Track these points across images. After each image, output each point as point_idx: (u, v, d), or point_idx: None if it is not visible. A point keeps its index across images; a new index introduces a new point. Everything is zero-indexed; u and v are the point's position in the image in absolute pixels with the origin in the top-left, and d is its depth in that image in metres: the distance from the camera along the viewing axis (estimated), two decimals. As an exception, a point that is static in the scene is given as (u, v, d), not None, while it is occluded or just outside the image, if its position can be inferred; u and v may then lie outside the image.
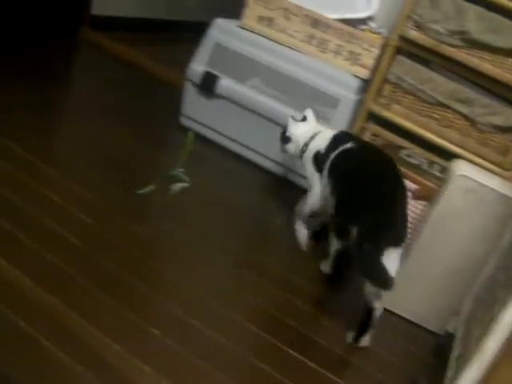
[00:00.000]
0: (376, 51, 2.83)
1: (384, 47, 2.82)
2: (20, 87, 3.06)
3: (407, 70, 2.72)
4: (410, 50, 2.74)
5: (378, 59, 2.83)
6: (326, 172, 2.36)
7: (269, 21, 2.95)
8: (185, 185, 2.57)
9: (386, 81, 2.78)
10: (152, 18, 5.03)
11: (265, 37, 2.97)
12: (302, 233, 2.57)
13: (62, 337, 1.61)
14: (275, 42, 2.96)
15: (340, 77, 2.84)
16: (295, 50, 2.93)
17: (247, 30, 3.00)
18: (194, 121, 3.16)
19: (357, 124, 2.83)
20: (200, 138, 2.99)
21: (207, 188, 2.76)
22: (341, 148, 2.34)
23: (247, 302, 2.03)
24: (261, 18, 2.96)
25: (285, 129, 2.64)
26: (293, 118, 2.64)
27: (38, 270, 1.82)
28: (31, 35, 3.78)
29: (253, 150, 3.03)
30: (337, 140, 2.43)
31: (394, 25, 2.80)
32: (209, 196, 2.69)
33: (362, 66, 2.85)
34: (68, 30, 4.18)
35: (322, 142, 2.47)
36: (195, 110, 3.15)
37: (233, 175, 2.90)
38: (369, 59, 2.84)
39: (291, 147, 2.62)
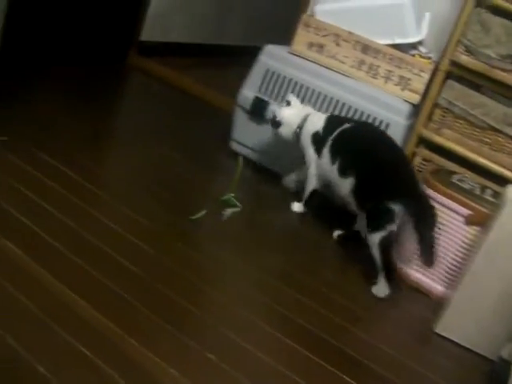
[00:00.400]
0: (426, 76, 2.83)
1: (434, 72, 2.82)
2: (71, 113, 3.12)
3: (458, 95, 2.71)
4: (460, 74, 2.75)
5: (429, 84, 2.83)
6: (327, 153, 2.60)
7: (319, 47, 2.97)
8: (236, 209, 2.59)
9: (436, 105, 2.78)
10: (199, 43, 5.09)
11: (315, 62, 2.99)
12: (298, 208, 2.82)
13: (120, 361, 1.63)
14: (325, 67, 2.97)
15: (390, 102, 2.84)
16: (345, 75, 2.94)
17: (297, 55, 3.02)
18: (244, 146, 3.18)
19: (407, 149, 2.82)
20: (250, 163, 3.01)
21: (258, 212, 2.77)
22: (339, 129, 2.59)
23: (299, 325, 2.03)
24: (311, 44, 2.98)
25: (274, 115, 2.82)
26: (277, 104, 2.85)
27: (95, 295, 1.84)
28: (81, 62, 3.86)
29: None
30: (332, 122, 2.67)
31: (444, 49, 2.80)
32: (259, 220, 2.70)
33: (413, 90, 2.85)
34: (117, 56, 4.26)
35: (317, 123, 2.69)
36: (245, 135, 3.18)
37: (282, 199, 2.90)
38: (419, 84, 2.83)
39: (283, 130, 2.80)
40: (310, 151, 2.73)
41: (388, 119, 2.81)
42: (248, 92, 3.07)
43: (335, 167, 2.55)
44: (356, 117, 2.86)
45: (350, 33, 2.91)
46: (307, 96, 2.95)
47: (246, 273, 2.26)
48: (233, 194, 2.61)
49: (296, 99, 2.83)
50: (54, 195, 2.30)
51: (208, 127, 3.63)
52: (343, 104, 2.88)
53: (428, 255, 2.31)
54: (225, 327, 1.90)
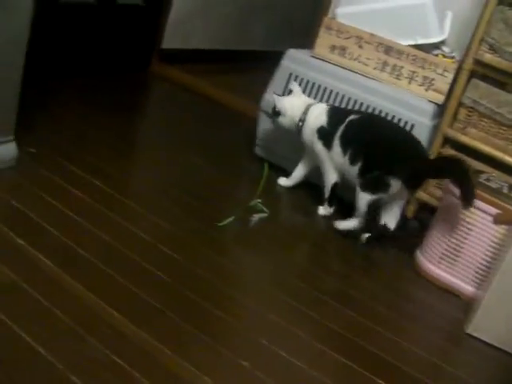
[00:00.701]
0: (450, 76, 2.81)
1: (458, 71, 2.80)
2: (97, 123, 3.15)
3: (483, 94, 2.69)
4: (484, 73, 2.73)
5: (453, 84, 2.82)
6: (337, 146, 2.66)
7: (341, 49, 2.96)
8: (263, 215, 2.59)
9: (461, 105, 2.76)
10: (220, 49, 5.10)
11: (338, 65, 2.99)
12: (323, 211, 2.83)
13: (154, 371, 1.64)
14: (348, 70, 2.97)
15: (415, 103, 2.82)
16: (368, 77, 2.94)
17: (320, 59, 3.02)
18: (269, 151, 3.19)
19: (433, 149, 2.81)
20: (275, 168, 3.01)
21: (285, 217, 2.78)
22: (346, 121, 2.65)
23: (330, 329, 2.03)
24: (333, 47, 2.98)
25: (273, 104, 2.86)
26: (275, 93, 2.89)
27: (128, 305, 1.86)
28: (104, 72, 3.89)
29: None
30: (336, 114, 2.74)
31: (468, 48, 2.78)
32: (287, 225, 2.71)
33: (437, 91, 2.83)
34: (139, 65, 4.29)
35: (320, 117, 2.74)
36: (270, 140, 3.19)
37: (309, 203, 2.90)
38: (443, 84, 2.82)
39: (283, 121, 2.87)
40: (319, 146, 2.76)
41: (413, 120, 2.79)
42: (271, 97, 3.06)
43: (347, 157, 2.63)
44: (381, 119, 2.85)
45: (372, 34, 2.91)
46: (331, 99, 2.95)
47: (275, 278, 2.26)
48: (259, 200, 2.61)
49: (299, 88, 2.88)
50: (84, 206, 2.32)
51: (232, 133, 3.64)
52: (367, 106, 2.87)
53: (466, 199, 2.33)
54: (257, 333, 1.91)
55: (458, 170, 2.42)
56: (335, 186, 2.78)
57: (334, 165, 2.73)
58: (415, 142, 2.62)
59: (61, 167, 2.55)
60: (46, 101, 3.18)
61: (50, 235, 2.06)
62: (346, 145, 2.64)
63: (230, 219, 2.46)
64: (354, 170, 2.61)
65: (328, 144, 2.71)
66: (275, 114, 2.87)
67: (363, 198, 2.57)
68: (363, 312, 2.18)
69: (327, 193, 2.80)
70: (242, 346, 1.85)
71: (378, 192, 2.54)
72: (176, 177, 2.83)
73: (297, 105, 2.83)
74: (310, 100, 2.87)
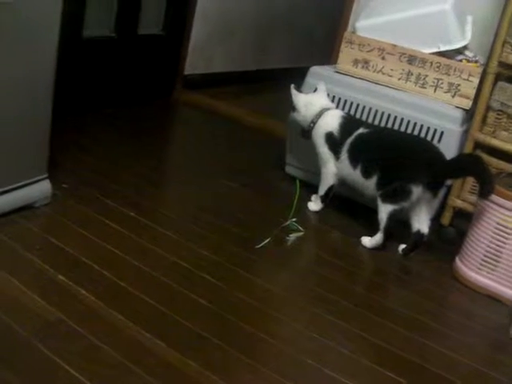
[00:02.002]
0: (476, 80, 2.79)
1: (483, 75, 2.78)
2: (127, 154, 3.18)
3: (510, 96, 2.67)
4: (510, 75, 2.71)
5: (479, 88, 2.80)
6: (346, 158, 2.71)
7: (364, 63, 2.96)
8: (299, 234, 2.59)
9: (489, 108, 2.73)
10: (241, 71, 5.13)
11: (362, 79, 2.99)
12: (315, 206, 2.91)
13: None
14: (373, 83, 2.97)
15: (442, 110, 2.81)
16: (394, 88, 2.93)
17: (343, 74, 3.02)
18: (299, 168, 3.19)
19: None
20: (307, 185, 3.00)
21: (320, 234, 2.78)
22: (355, 134, 2.69)
23: (375, 344, 2.01)
24: (356, 61, 2.98)
25: (293, 98, 2.92)
26: (294, 88, 2.93)
27: (170, 333, 1.87)
28: (130, 102, 3.94)
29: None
30: (347, 124, 2.76)
31: (491, 51, 2.77)
32: (323, 243, 2.70)
33: (463, 96, 2.82)
34: (163, 92, 4.32)
35: (331, 123, 2.79)
36: (299, 158, 3.19)
37: (343, 218, 2.89)
38: (469, 89, 2.80)
39: (297, 116, 2.93)
40: (324, 150, 2.81)
41: (442, 128, 2.78)
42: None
43: (358, 172, 2.67)
44: (409, 128, 2.84)
45: (394, 45, 2.90)
46: (358, 112, 2.94)
47: (316, 296, 2.25)
48: (294, 219, 2.61)
49: (324, 88, 2.90)
50: (120, 238, 2.33)
51: (260, 153, 3.64)
52: (395, 117, 2.86)
53: (485, 190, 2.39)
54: (301, 353, 1.90)
55: (476, 166, 2.47)
56: (331, 188, 2.86)
57: (341, 175, 2.79)
58: (430, 146, 2.67)
59: (94, 200, 2.57)
60: (74, 134, 3.23)
61: (89, 269, 2.08)
62: (355, 159, 2.68)
63: (267, 241, 2.47)
64: (369, 184, 2.64)
65: (333, 151, 2.77)
66: (292, 108, 2.92)
67: (386, 210, 2.57)
68: (405, 324, 2.17)
69: (322, 192, 2.88)
70: (287, 367, 1.84)
71: (400, 201, 2.54)
72: (208, 201, 2.84)
73: (312, 106, 2.85)
74: (327, 103, 2.88)
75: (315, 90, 2.91)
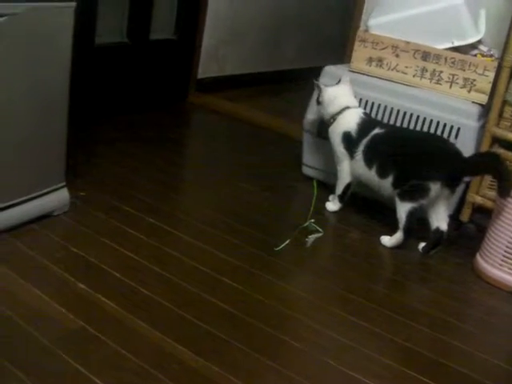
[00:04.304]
0: (491, 75, 2.77)
1: (499, 69, 2.76)
2: (143, 160, 3.19)
3: (527, 89, 2.65)
4: (526, 68, 2.68)
5: (495, 82, 2.78)
6: (361, 158, 2.70)
7: (378, 61, 2.95)
8: (318, 235, 2.58)
9: (506, 102, 2.71)
10: (254, 72, 5.13)
11: (377, 77, 2.98)
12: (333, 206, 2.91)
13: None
14: (388, 80, 2.95)
15: (458, 106, 2.79)
16: (409, 85, 2.91)
17: (358, 72, 3.01)
18: (316, 169, 3.18)
19: (482, 150, 2.76)
20: (324, 186, 2.99)
21: (339, 235, 2.77)
22: (371, 135, 2.68)
23: (398, 344, 2.00)
24: (370, 60, 2.97)
25: (319, 93, 2.89)
26: (322, 83, 2.90)
27: (193, 339, 1.86)
28: (144, 106, 3.96)
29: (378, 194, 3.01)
30: (364, 124, 2.74)
31: (506, 45, 2.74)
32: (342, 243, 2.69)
33: (479, 91, 2.80)
34: (178, 97, 4.33)
35: (350, 122, 2.77)
36: (316, 159, 3.18)
37: (361, 218, 2.88)
38: (485, 84, 2.78)
39: (321, 110, 2.89)
40: (339, 148, 2.81)
41: (459, 123, 2.76)
42: (313, 116, 3.05)
43: (374, 172, 2.67)
44: (426, 125, 2.82)
45: (407, 42, 2.89)
46: (373, 111, 2.93)
47: (336, 296, 2.24)
48: (313, 220, 2.60)
49: (347, 80, 2.87)
50: (140, 244, 2.34)
51: (276, 154, 3.64)
52: (411, 114, 2.85)
53: (504, 189, 2.38)
54: (323, 354, 1.89)
55: (494, 164, 2.46)
56: (348, 186, 2.85)
57: (356, 175, 2.78)
58: (446, 143, 2.67)
59: (112, 207, 2.58)
60: (90, 142, 3.24)
61: (110, 277, 2.09)
62: (370, 159, 2.68)
63: (286, 242, 2.46)
64: (385, 183, 2.63)
65: (349, 150, 2.77)
66: (318, 101, 2.90)
67: (404, 208, 2.56)
68: (428, 322, 2.15)
69: (339, 191, 2.87)
70: (309, 369, 1.83)
71: (418, 199, 2.53)
72: (226, 204, 2.84)
73: (336, 102, 2.83)
74: (351, 101, 2.84)
75: (338, 82, 2.88)
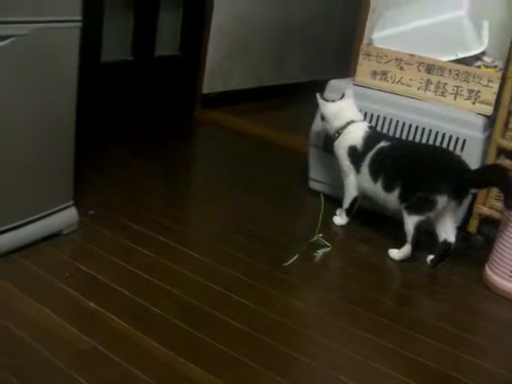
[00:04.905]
0: (496, 85, 2.78)
1: (503, 80, 2.77)
2: (150, 177, 3.20)
3: (532, 100, 2.66)
4: (530, 78, 2.69)
5: (499, 93, 2.78)
6: (366, 172, 2.71)
7: (383, 74, 2.96)
8: (327, 249, 2.58)
9: (511, 113, 2.72)
10: (258, 87, 5.15)
11: (381, 90, 2.98)
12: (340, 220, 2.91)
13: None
14: (392, 93, 2.96)
15: (463, 117, 2.80)
16: (414, 98, 2.92)
17: (362, 86, 3.02)
18: (323, 183, 3.18)
19: (488, 161, 2.76)
20: (331, 200, 3.00)
21: (347, 249, 2.76)
22: (376, 148, 2.69)
23: (414, 360, 1.99)
24: (374, 73, 2.98)
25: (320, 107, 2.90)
26: (322, 98, 2.90)
27: (204, 356, 1.86)
28: (150, 123, 3.98)
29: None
30: (370, 137, 2.75)
31: (509, 56, 2.76)
32: (350, 257, 2.69)
33: (484, 102, 2.80)
34: (183, 113, 4.35)
35: (355, 136, 2.78)
36: (322, 173, 3.19)
37: (370, 232, 2.88)
38: (490, 95, 2.79)
39: (326, 125, 2.90)
40: (345, 162, 2.81)
41: (464, 135, 2.76)
42: (318, 129, 3.06)
43: (379, 185, 2.67)
44: (431, 138, 2.83)
45: (411, 55, 2.89)
46: (379, 124, 2.93)
47: (346, 311, 2.24)
48: (321, 234, 2.60)
49: (351, 93, 2.86)
50: (150, 262, 2.35)
51: (283, 169, 3.65)
52: (416, 127, 2.86)
53: (510, 202, 2.39)
54: (335, 370, 1.89)
55: (500, 176, 2.47)
56: (355, 200, 2.85)
57: (362, 188, 2.79)
58: (452, 155, 2.68)
59: (121, 225, 2.58)
60: (98, 160, 3.25)
61: (120, 295, 2.09)
62: (376, 173, 2.68)
63: (295, 258, 2.46)
64: (392, 197, 2.63)
65: (354, 164, 2.77)
66: (322, 117, 2.91)
67: (411, 221, 2.56)
68: (438, 336, 2.14)
69: (346, 205, 2.88)
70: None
71: (426, 211, 2.53)
72: (234, 221, 2.84)
73: (341, 116, 2.83)
74: (356, 115, 2.85)
75: (342, 96, 2.88)
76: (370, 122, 2.94)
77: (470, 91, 2.82)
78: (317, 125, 3.07)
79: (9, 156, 2.10)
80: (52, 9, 2.09)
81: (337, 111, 2.84)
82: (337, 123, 2.84)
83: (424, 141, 2.85)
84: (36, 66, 2.09)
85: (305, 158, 3.29)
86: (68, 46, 2.21)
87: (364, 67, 3.01)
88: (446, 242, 2.61)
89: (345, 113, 2.84)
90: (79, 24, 2.20)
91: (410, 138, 2.88)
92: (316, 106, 3.02)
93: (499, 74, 2.81)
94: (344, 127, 2.82)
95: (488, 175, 2.60)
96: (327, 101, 2.89)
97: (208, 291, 2.21)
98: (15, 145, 2.11)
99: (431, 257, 2.63)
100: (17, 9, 1.97)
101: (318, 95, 2.92)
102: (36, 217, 2.28)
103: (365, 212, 2.94)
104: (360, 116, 2.86)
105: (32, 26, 2.02)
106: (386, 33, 3.02)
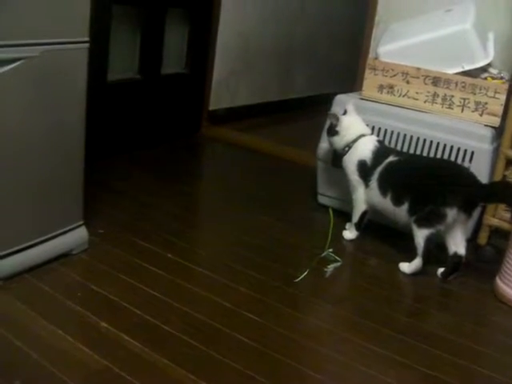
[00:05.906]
0: (502, 97, 2.78)
1: (510, 91, 2.77)
2: (159, 195, 3.21)
3: (539, 110, 2.66)
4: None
5: (506, 104, 2.78)
6: (376, 187, 2.72)
7: (389, 88, 2.96)
8: (337, 264, 2.58)
9: (519, 124, 2.72)
10: (265, 102, 5.17)
11: (388, 104, 2.99)
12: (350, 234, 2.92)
13: None
14: (399, 107, 2.97)
15: (471, 129, 2.80)
16: (421, 111, 2.92)
17: (369, 100, 3.03)
18: (332, 198, 3.19)
19: (497, 173, 2.76)
20: (340, 214, 3.00)
21: (357, 263, 2.76)
22: (385, 163, 2.70)
23: (424, 373, 1.98)
24: (381, 87, 2.98)
25: (334, 122, 2.85)
26: (336, 114, 2.88)
27: (217, 375, 1.86)
28: (158, 141, 4.00)
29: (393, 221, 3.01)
30: (379, 152, 2.76)
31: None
32: (361, 271, 2.69)
33: (491, 114, 2.80)
34: (190, 129, 4.36)
35: (365, 151, 2.79)
36: (331, 187, 3.19)
37: (380, 246, 2.88)
38: (497, 106, 2.79)
39: (337, 140, 2.88)
40: (354, 177, 2.82)
41: (472, 147, 2.77)
42: (326, 144, 3.07)
43: (388, 199, 2.67)
44: (439, 151, 2.83)
45: (417, 68, 2.90)
46: (387, 138, 2.94)
47: (358, 327, 2.23)
48: (331, 249, 2.60)
49: (353, 108, 2.88)
50: (160, 280, 2.35)
51: (291, 184, 3.66)
52: (424, 140, 2.86)
53: None
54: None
55: (507, 193, 2.51)
56: (364, 214, 2.86)
57: (371, 202, 2.80)
58: (461, 168, 2.68)
59: (131, 244, 2.59)
60: (106, 178, 3.26)
61: (132, 315, 2.09)
62: (385, 187, 2.69)
63: (305, 274, 2.46)
64: (401, 211, 2.64)
65: (363, 178, 2.78)
66: (332, 131, 2.89)
67: (421, 234, 2.56)
68: (450, 349, 2.13)
69: (355, 219, 2.88)
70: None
71: (435, 225, 2.53)
72: (243, 237, 2.83)
73: (352, 130, 2.84)
74: (364, 129, 2.86)
75: (344, 113, 2.89)
76: (378, 135, 2.94)
77: (477, 103, 2.82)
78: (325, 140, 3.07)
79: (20, 176, 2.11)
80: (60, 31, 2.11)
81: (349, 125, 2.85)
82: (348, 137, 2.84)
83: (432, 154, 2.85)
84: (46, 87, 2.11)
85: (313, 172, 3.30)
86: (77, 67, 2.23)
87: (370, 81, 3.02)
88: (456, 255, 2.61)
89: (355, 127, 2.85)
90: (87, 45, 2.22)
91: (418, 151, 2.89)
92: (322, 120, 3.03)
93: (506, 86, 2.81)
94: (354, 141, 2.82)
95: (497, 190, 2.60)
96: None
97: (218, 308, 2.20)
98: (26, 165, 2.12)
99: (442, 269, 2.63)
100: (26, 32, 1.98)
101: (331, 110, 2.93)
102: (46, 237, 2.29)
103: (374, 226, 2.93)
104: (368, 130, 2.86)
105: (41, 48, 2.04)
106: (391, 46, 3.03)
